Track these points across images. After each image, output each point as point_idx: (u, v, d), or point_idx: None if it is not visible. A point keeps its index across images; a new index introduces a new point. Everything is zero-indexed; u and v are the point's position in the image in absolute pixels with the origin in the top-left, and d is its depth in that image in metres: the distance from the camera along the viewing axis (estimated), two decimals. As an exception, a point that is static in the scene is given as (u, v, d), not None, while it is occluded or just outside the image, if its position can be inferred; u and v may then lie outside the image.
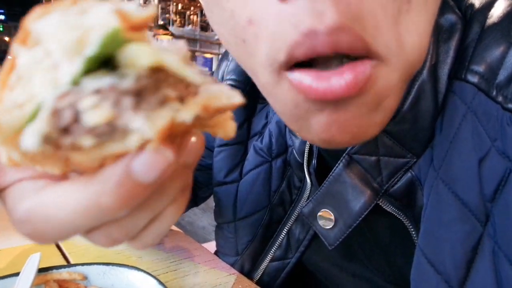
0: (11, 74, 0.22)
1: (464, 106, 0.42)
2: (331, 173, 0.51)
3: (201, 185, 0.80)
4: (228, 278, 0.66)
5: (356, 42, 0.30)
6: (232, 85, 0.70)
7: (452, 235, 0.40)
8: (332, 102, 0.33)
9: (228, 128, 0.28)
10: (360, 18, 0.30)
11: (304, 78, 0.32)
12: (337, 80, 0.31)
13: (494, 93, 0.39)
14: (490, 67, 0.40)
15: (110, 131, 0.20)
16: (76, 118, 0.20)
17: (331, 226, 0.51)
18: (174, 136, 0.24)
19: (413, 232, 0.48)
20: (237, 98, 0.23)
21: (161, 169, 0.21)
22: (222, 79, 0.73)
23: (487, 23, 0.43)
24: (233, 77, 0.70)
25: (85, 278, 0.59)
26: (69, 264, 0.60)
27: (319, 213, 0.53)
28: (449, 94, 0.43)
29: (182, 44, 0.24)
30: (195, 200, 0.83)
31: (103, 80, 0.20)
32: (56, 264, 0.60)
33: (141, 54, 0.20)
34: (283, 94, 0.35)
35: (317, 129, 0.35)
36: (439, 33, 0.44)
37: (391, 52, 0.33)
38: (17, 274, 0.55)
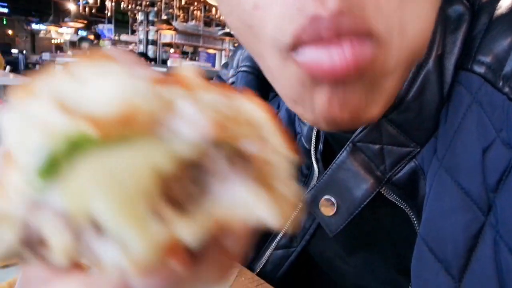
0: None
1: (470, 96, 0.42)
2: (334, 160, 0.52)
3: None
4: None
5: (358, 24, 0.32)
6: (246, 72, 0.70)
7: (453, 224, 0.41)
8: (334, 80, 0.35)
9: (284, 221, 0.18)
10: (361, 2, 0.32)
11: (310, 54, 0.34)
12: (337, 53, 0.33)
13: (501, 83, 0.40)
14: (497, 58, 0.41)
15: (84, 255, 0.16)
16: (42, 239, 0.16)
17: (332, 213, 0.52)
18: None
19: (415, 222, 0.48)
20: (272, 220, 0.17)
21: (168, 285, 0.18)
22: (237, 67, 0.73)
23: (495, 14, 0.43)
24: (247, 63, 0.71)
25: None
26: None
27: (322, 200, 0.53)
28: (455, 84, 0.44)
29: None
30: None
31: (57, 200, 0.16)
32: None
33: (71, 195, 0.15)
34: (290, 74, 0.36)
35: (320, 106, 0.36)
36: (446, 24, 0.45)
37: (393, 35, 0.34)
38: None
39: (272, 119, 0.20)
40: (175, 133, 0.17)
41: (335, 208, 0.52)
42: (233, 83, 0.73)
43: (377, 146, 0.48)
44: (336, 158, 0.52)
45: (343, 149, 0.51)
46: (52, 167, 0.16)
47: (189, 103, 0.18)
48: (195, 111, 0.17)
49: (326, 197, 0.53)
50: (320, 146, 0.57)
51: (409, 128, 0.46)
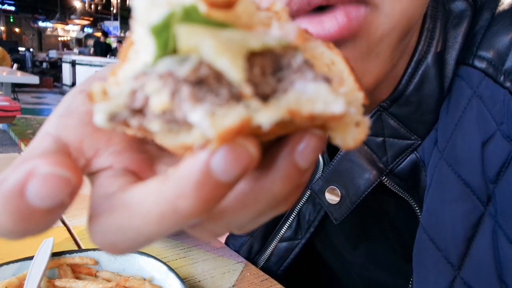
0: (131, 48, 0.22)
1: (470, 91, 0.43)
2: (339, 152, 0.54)
3: None
4: (236, 265, 0.67)
5: None
6: None
7: (453, 214, 0.42)
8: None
9: (348, 135, 0.22)
10: None
11: (300, 24, 0.34)
12: (330, 21, 0.34)
13: (502, 78, 0.40)
14: (498, 53, 0.42)
15: (176, 120, 0.18)
16: (147, 102, 0.19)
17: (337, 202, 0.54)
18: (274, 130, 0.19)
19: (418, 211, 0.49)
20: (337, 106, 0.19)
21: (243, 166, 0.19)
22: None
23: (497, 10, 0.44)
24: None
25: (96, 263, 0.60)
26: (81, 249, 0.61)
27: (327, 190, 0.55)
28: (456, 79, 0.45)
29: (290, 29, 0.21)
30: None
31: (166, 64, 0.18)
32: (68, 249, 0.61)
33: (185, 36, 0.18)
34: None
35: None
36: (447, 19, 0.45)
37: (385, 1, 0.35)
38: (31, 258, 0.57)
39: (347, 63, 0.23)
40: (268, 34, 0.20)
41: (340, 197, 0.53)
42: None
43: (379, 139, 0.50)
44: (340, 150, 0.53)
45: None
46: (166, 27, 0.19)
47: (281, 23, 0.21)
48: (286, 24, 0.21)
49: (331, 186, 0.54)
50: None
51: (409, 121, 0.47)
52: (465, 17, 0.45)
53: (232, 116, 0.18)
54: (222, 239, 0.78)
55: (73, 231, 0.72)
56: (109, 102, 0.20)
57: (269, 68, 0.20)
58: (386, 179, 0.50)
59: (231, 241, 0.78)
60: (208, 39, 0.17)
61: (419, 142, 0.48)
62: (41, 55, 15.14)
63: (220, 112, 0.18)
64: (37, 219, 0.20)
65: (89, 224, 0.23)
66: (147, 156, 0.27)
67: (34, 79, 4.88)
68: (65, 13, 17.15)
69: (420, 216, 0.49)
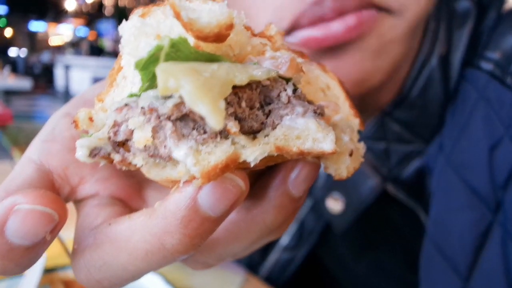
0: (119, 73, 0.22)
1: (476, 93, 0.42)
2: None
3: None
4: (236, 277, 0.65)
5: (362, 3, 0.34)
6: None
7: (460, 222, 0.41)
8: (333, 48, 0.36)
9: (341, 165, 0.22)
10: None
11: (305, 32, 0.36)
12: (337, 25, 0.34)
13: (510, 80, 0.39)
14: (506, 54, 0.40)
15: (160, 155, 0.18)
16: (131, 135, 0.19)
17: (340, 211, 0.52)
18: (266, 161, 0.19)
19: (424, 220, 0.48)
20: (327, 145, 0.18)
21: (232, 200, 0.18)
22: None
23: (503, 10, 0.43)
24: None
25: (91, 278, 0.58)
26: (74, 264, 0.59)
27: (329, 198, 0.53)
28: (461, 81, 0.44)
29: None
30: None
31: (149, 99, 0.18)
32: (62, 263, 0.59)
33: (164, 77, 0.17)
34: (303, 40, 0.38)
35: None
36: (451, 19, 0.44)
37: (405, 6, 0.35)
38: (23, 274, 0.55)
39: (342, 87, 0.23)
40: (259, 65, 0.20)
41: (343, 206, 0.52)
42: None
43: (382, 144, 0.48)
44: None
45: None
46: (153, 60, 0.18)
47: (274, 52, 0.21)
48: (277, 54, 0.21)
49: (333, 195, 0.53)
50: None
51: (414, 125, 0.46)
52: (470, 16, 0.44)
53: (217, 154, 0.18)
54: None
55: (66, 244, 0.70)
56: (91, 137, 0.20)
57: (257, 101, 0.19)
58: (390, 186, 0.49)
59: None
60: (186, 83, 0.17)
61: (424, 146, 0.46)
62: (34, 58, 15.02)
63: (205, 149, 0.18)
64: (18, 258, 0.19)
65: (73, 259, 0.22)
66: (135, 181, 0.26)
67: (26, 84, 4.83)
68: (58, 15, 17.04)
69: (425, 223, 0.48)
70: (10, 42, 17.32)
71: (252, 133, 0.19)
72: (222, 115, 0.17)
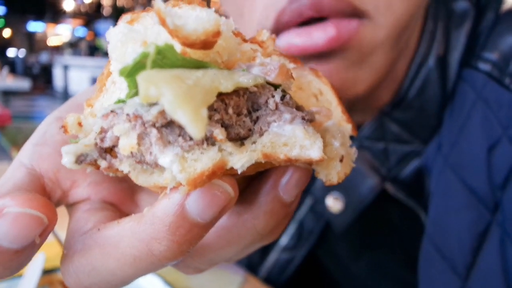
0: (108, 78, 0.22)
1: (474, 94, 0.42)
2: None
3: None
4: (235, 278, 0.65)
5: (338, 4, 0.34)
6: None
7: (459, 222, 0.41)
8: (315, 55, 0.37)
9: (331, 171, 0.22)
10: None
11: (288, 37, 0.37)
12: (319, 34, 0.35)
13: (508, 81, 0.39)
14: (503, 55, 0.40)
15: (147, 161, 0.18)
16: (117, 141, 0.19)
17: (339, 211, 0.52)
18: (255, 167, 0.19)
19: (423, 220, 0.48)
20: (314, 152, 0.18)
21: (220, 206, 0.18)
22: None
23: (502, 10, 0.43)
24: None
25: (90, 279, 0.58)
26: (73, 265, 0.59)
27: (329, 198, 0.53)
28: (459, 82, 0.44)
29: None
30: None
31: (134, 106, 0.18)
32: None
33: (146, 85, 0.17)
34: (286, 46, 0.39)
35: None
36: (449, 20, 0.44)
37: (379, 11, 0.36)
38: (20, 275, 0.55)
39: (335, 92, 0.23)
40: (248, 71, 0.20)
41: (342, 206, 0.52)
42: None
43: (381, 144, 0.49)
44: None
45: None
46: (139, 67, 0.18)
47: (264, 58, 0.21)
48: (267, 60, 0.21)
49: (333, 194, 0.53)
50: None
51: (412, 125, 0.47)
52: (468, 17, 0.44)
53: (204, 161, 0.17)
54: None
55: (65, 244, 0.70)
56: (77, 144, 0.20)
57: (244, 107, 0.19)
58: (389, 186, 0.49)
59: None
60: (167, 90, 0.17)
61: (422, 147, 0.46)
62: (32, 58, 14.98)
63: (191, 156, 0.18)
64: (6, 261, 0.19)
65: (62, 264, 0.22)
66: (128, 186, 0.26)
67: (25, 85, 4.82)
68: (56, 15, 17.01)
69: (425, 223, 0.48)
70: (8, 43, 17.28)
71: (239, 139, 0.19)
72: (203, 124, 0.17)
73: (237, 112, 0.19)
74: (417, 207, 0.47)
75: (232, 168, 0.18)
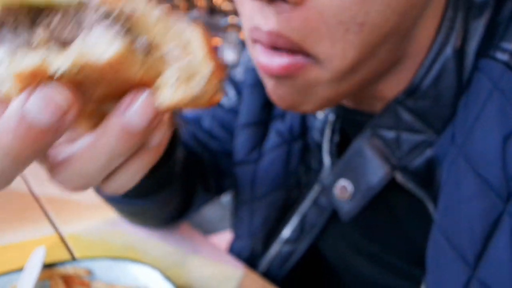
0: None
1: (491, 84, 0.41)
2: (351, 145, 0.52)
3: (225, 174, 0.79)
4: (236, 272, 0.65)
5: (291, 46, 0.38)
6: (254, 70, 0.72)
7: (470, 211, 0.40)
8: (274, 76, 0.41)
9: (164, 91, 0.23)
10: (301, 30, 0.37)
11: (257, 52, 0.42)
12: (276, 60, 0.39)
13: None
14: None
15: None
16: None
17: (348, 198, 0.52)
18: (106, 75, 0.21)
19: (431, 210, 0.47)
20: (109, 52, 0.19)
21: (57, 109, 0.20)
22: (246, 64, 0.76)
23: None
24: (249, 63, 0.73)
25: (90, 273, 0.58)
26: (74, 259, 0.59)
27: (337, 185, 0.53)
28: (475, 72, 0.43)
29: None
30: (219, 191, 0.81)
31: None
32: (61, 258, 0.59)
33: None
34: (255, 59, 0.44)
35: (269, 91, 0.45)
36: (468, 9, 0.44)
37: (333, 60, 0.39)
38: (22, 269, 0.55)
39: (203, 38, 0.24)
40: None
41: (351, 193, 0.52)
42: (241, 82, 0.75)
43: (393, 133, 0.48)
44: (352, 143, 0.52)
45: (360, 135, 0.51)
46: None
47: None
48: None
49: (342, 181, 0.53)
50: (336, 137, 0.57)
51: (425, 115, 0.46)
52: (487, 7, 0.43)
53: (29, 59, 0.18)
54: (222, 246, 0.77)
55: (66, 239, 0.70)
56: None
57: (67, 20, 0.20)
58: (399, 175, 0.48)
59: (232, 244, 0.76)
60: None
61: (435, 137, 0.46)
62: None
63: (20, 54, 0.19)
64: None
65: None
66: None
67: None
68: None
69: (432, 214, 0.47)
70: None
71: (59, 45, 0.20)
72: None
73: (61, 23, 0.20)
74: (426, 197, 0.47)
75: (64, 76, 0.19)
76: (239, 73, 0.77)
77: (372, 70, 0.43)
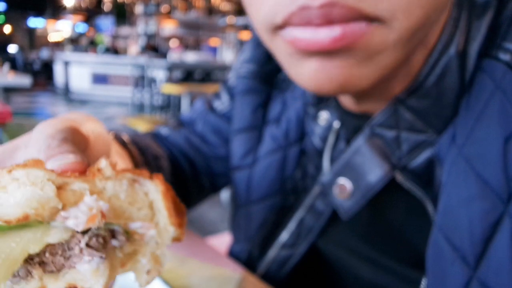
0: None
1: (492, 84, 0.41)
2: (351, 144, 0.51)
3: (218, 175, 0.79)
4: (234, 276, 0.65)
5: (348, 14, 0.34)
6: (245, 77, 0.72)
7: (470, 212, 0.40)
8: (320, 52, 0.37)
9: (140, 279, 0.28)
10: None
11: (295, 32, 0.37)
12: (325, 32, 0.35)
13: None
14: None
15: None
16: None
17: (347, 197, 0.52)
18: None
19: (431, 211, 0.47)
20: (97, 286, 0.24)
21: None
22: (237, 71, 0.76)
23: None
24: (247, 65, 0.73)
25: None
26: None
27: (337, 184, 0.53)
28: (477, 72, 0.43)
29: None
30: (213, 189, 0.82)
31: None
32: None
33: None
34: (278, 47, 0.41)
35: (308, 75, 0.40)
36: (471, 9, 0.44)
37: (395, 17, 0.35)
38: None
39: (164, 196, 0.27)
40: (65, 223, 0.24)
41: (350, 192, 0.51)
42: (234, 87, 0.75)
43: (393, 132, 0.48)
44: (352, 142, 0.52)
45: (360, 134, 0.51)
46: None
47: (91, 197, 0.25)
48: (91, 201, 0.25)
49: (341, 180, 0.52)
50: (341, 144, 0.56)
51: (427, 114, 0.46)
52: (490, 7, 0.43)
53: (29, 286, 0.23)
54: (222, 248, 0.76)
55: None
56: None
57: (57, 253, 0.25)
58: (398, 175, 0.48)
59: (231, 247, 0.76)
60: None
61: (435, 137, 0.46)
62: (33, 55, 14.95)
63: (20, 285, 0.23)
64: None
65: None
66: None
67: (26, 81, 4.80)
68: (56, 10, 16.98)
69: (432, 215, 0.47)
70: (9, 39, 17.25)
71: (55, 271, 0.25)
72: None
73: (52, 254, 0.25)
74: (425, 198, 0.46)
75: None
76: (231, 78, 0.77)
77: (410, 49, 0.41)
